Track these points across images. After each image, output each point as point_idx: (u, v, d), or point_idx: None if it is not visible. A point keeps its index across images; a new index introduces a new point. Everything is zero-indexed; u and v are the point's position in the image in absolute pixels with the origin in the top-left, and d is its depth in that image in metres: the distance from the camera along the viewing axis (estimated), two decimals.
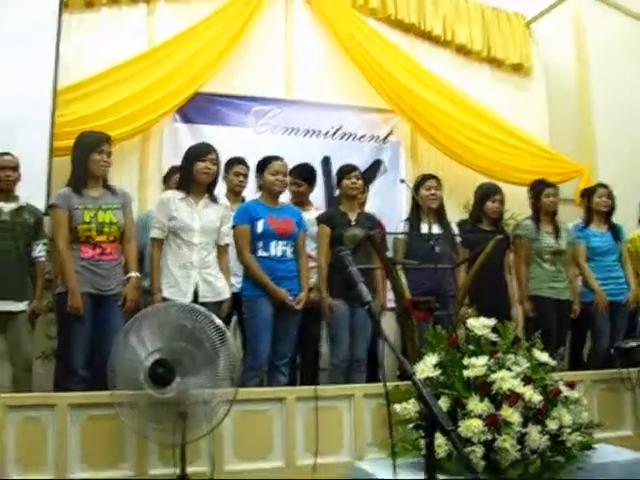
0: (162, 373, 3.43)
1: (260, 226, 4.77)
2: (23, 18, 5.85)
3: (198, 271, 4.47)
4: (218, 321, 3.47)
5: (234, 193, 5.48)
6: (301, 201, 5.61)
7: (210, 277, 4.52)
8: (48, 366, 5.43)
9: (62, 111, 6.03)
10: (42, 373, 5.36)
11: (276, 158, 4.94)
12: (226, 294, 4.58)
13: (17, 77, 5.72)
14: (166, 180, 5.71)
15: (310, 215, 5.40)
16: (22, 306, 4.88)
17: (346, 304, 4.98)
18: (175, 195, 4.57)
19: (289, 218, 4.90)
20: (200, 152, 4.59)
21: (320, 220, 5.23)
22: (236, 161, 5.52)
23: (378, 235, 4.85)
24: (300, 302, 4.77)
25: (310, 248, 5.28)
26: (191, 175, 4.56)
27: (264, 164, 4.92)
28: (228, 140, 6.58)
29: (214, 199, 4.64)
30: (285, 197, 5.38)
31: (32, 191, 5.32)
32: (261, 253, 4.77)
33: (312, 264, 5.22)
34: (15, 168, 4.99)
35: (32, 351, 4.97)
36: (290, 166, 5.24)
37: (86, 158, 4.40)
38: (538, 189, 5.86)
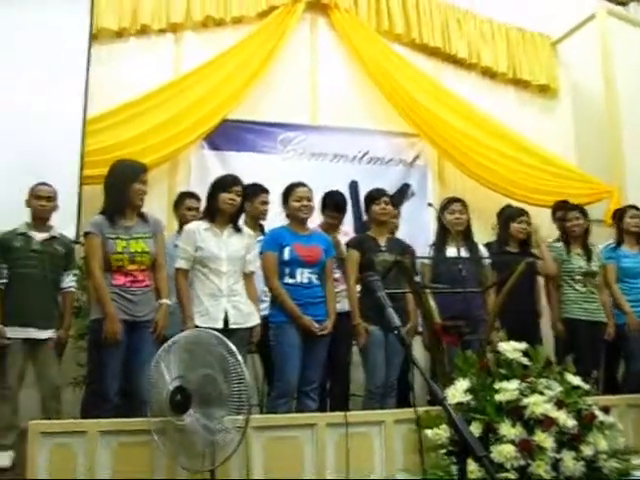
0: (180, 400, 3.42)
1: (287, 253, 4.77)
2: (54, 49, 5.94)
3: (227, 298, 4.49)
4: (232, 347, 3.40)
5: (253, 219, 5.45)
6: (331, 227, 5.58)
7: (239, 304, 4.53)
8: (78, 394, 5.44)
9: (91, 140, 6.10)
10: (72, 401, 5.35)
11: (299, 185, 4.95)
12: (256, 319, 4.59)
13: (48, 107, 5.80)
14: (177, 206, 5.70)
15: (344, 240, 5.41)
16: (49, 334, 4.92)
17: (380, 329, 4.95)
18: (200, 225, 4.61)
19: (317, 245, 4.89)
20: (226, 184, 4.63)
21: (350, 245, 5.22)
22: (260, 190, 5.50)
23: (407, 260, 4.86)
24: (325, 329, 4.74)
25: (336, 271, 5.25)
26: (216, 205, 4.60)
27: (288, 192, 4.94)
28: (255, 167, 6.63)
29: (238, 228, 4.68)
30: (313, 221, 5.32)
31: (62, 220, 5.37)
32: (287, 280, 4.78)
33: (339, 287, 5.20)
34: (50, 198, 5.04)
35: (59, 379, 5.01)
36: (318, 191, 5.24)
37: (127, 187, 4.40)
38: (561, 212, 5.82)
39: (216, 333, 3.46)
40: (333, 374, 5.46)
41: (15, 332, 4.83)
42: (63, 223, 5.39)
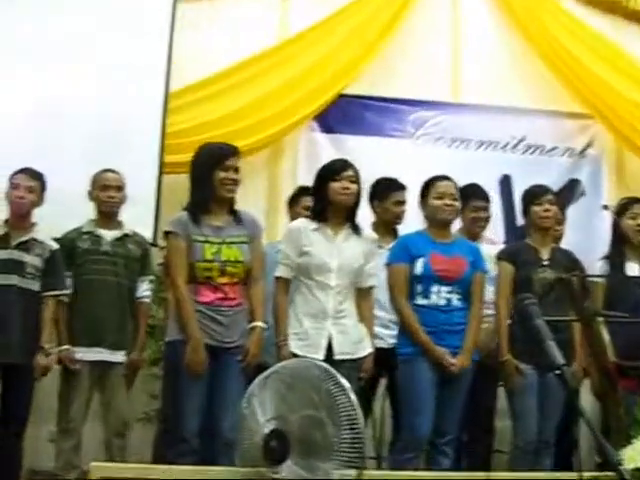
0: (276, 447, 3.36)
1: (420, 266, 4.76)
2: (132, 13, 6.19)
3: (333, 320, 4.52)
4: (344, 383, 3.33)
5: (384, 224, 5.50)
6: (476, 232, 5.58)
7: (348, 328, 4.56)
8: (149, 430, 5.61)
9: (174, 119, 6.24)
10: (142, 439, 5.50)
11: (442, 178, 4.94)
12: (367, 348, 4.60)
13: (123, 78, 6.04)
14: (292, 204, 5.73)
15: (489, 251, 5.32)
16: (120, 357, 5.03)
17: (535, 368, 4.89)
18: (307, 225, 4.63)
19: (460, 257, 4.86)
20: (334, 170, 4.64)
21: (502, 257, 5.17)
22: (394, 187, 5.56)
23: (574, 278, 4.81)
24: (460, 365, 4.69)
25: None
26: (326, 199, 4.61)
27: (427, 187, 4.94)
28: (380, 155, 6.68)
29: (357, 230, 4.66)
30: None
31: (138, 215, 5.52)
32: (420, 300, 4.77)
33: (487, 312, 5.19)
34: (120, 188, 5.16)
35: (129, 412, 5.12)
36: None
37: (208, 176, 4.41)
38: None
39: (324, 365, 3.39)
40: (473, 424, 5.42)
41: (83, 354, 4.94)
42: (138, 221, 5.49)
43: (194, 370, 4.23)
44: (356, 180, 4.62)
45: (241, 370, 4.33)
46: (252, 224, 4.58)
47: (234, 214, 4.51)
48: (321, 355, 4.35)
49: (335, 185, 4.57)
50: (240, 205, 4.60)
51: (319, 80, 6.74)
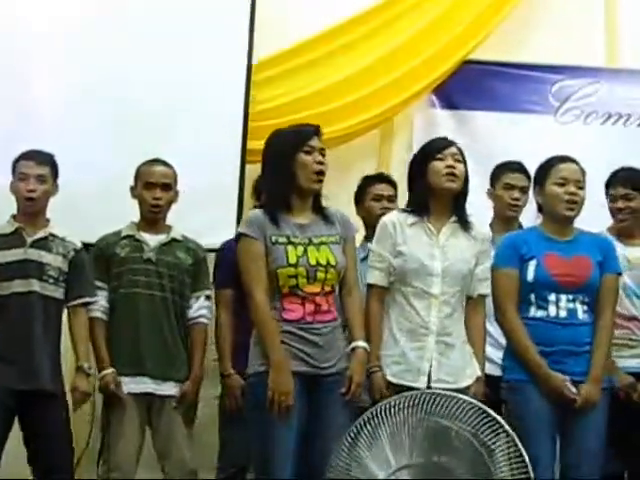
0: None
1: (531, 270, 4.43)
2: None
3: (436, 338, 4.28)
4: (498, 419, 3.47)
5: (503, 218, 5.27)
6: (623, 227, 5.19)
7: (452, 349, 4.31)
8: None
9: (259, 96, 6.08)
10: None
11: (565, 160, 4.61)
12: (473, 375, 4.34)
13: (197, 50, 5.87)
14: (359, 199, 5.48)
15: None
16: (171, 388, 4.80)
17: None
18: (403, 218, 4.41)
19: (584, 256, 4.50)
20: (434, 147, 4.44)
21: None
22: (512, 167, 5.32)
23: None
24: (582, 396, 4.32)
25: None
26: (425, 185, 4.37)
27: (544, 170, 4.65)
28: (514, 134, 6.46)
29: (465, 223, 4.41)
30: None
31: (214, 217, 5.53)
32: (534, 312, 4.44)
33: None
34: (168, 186, 4.93)
35: (192, 456, 4.84)
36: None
37: (287, 163, 4.15)
38: None
39: (475, 402, 3.56)
40: (628, 463, 5.07)
41: (124, 385, 4.74)
42: (215, 222, 5.49)
43: (282, 401, 3.95)
44: (463, 160, 4.44)
45: (345, 403, 4.09)
46: (344, 222, 4.36)
47: (321, 211, 4.31)
48: (422, 383, 4.19)
49: (437, 165, 4.34)
50: (336, 200, 4.49)
51: (437, 44, 6.44)
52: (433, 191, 4.35)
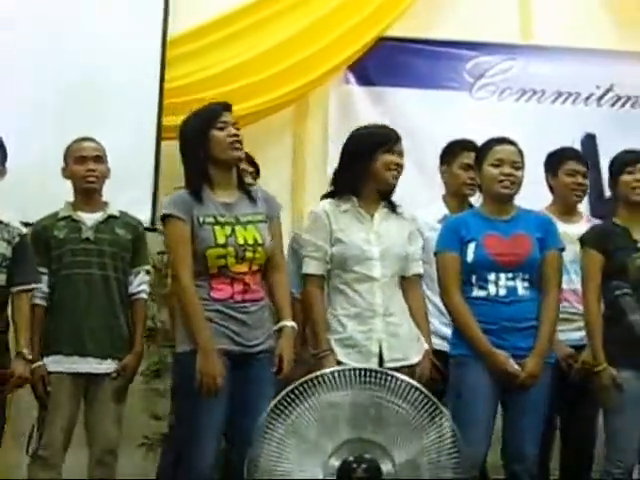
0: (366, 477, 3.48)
1: (471, 252, 4.58)
2: None
3: (383, 319, 4.40)
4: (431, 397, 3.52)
5: (459, 196, 5.35)
6: (573, 204, 5.44)
7: (398, 328, 4.43)
8: (152, 459, 5.53)
9: (173, 73, 6.10)
10: (143, 468, 5.49)
11: (501, 141, 4.72)
12: (421, 350, 4.49)
13: (108, 25, 5.91)
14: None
15: (582, 230, 5.16)
16: (109, 366, 4.85)
17: (637, 374, 4.70)
18: (335, 207, 4.51)
19: (522, 234, 4.63)
20: (387, 139, 4.53)
21: (587, 244, 4.98)
22: (468, 147, 5.34)
23: None
24: (528, 373, 4.45)
25: (578, 281, 5.12)
26: (367, 173, 4.45)
27: (482, 151, 4.79)
28: (430, 110, 6.59)
29: (394, 207, 4.57)
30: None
31: (131, 193, 5.57)
32: (476, 292, 4.58)
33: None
34: (100, 158, 4.97)
35: (117, 435, 4.91)
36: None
37: (201, 140, 4.25)
38: None
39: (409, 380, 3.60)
40: (563, 443, 5.36)
41: (61, 364, 4.78)
42: (131, 200, 5.48)
43: (208, 385, 4.05)
44: (402, 154, 4.59)
45: (273, 381, 4.22)
46: (268, 201, 4.46)
47: (245, 189, 4.40)
48: (374, 364, 4.24)
49: (388, 158, 4.47)
50: (260, 177, 4.78)
51: (351, 21, 6.50)
52: (373, 181, 4.48)
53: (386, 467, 3.51)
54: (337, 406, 3.55)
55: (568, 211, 5.34)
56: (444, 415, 3.56)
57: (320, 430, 3.53)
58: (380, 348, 4.38)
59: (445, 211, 5.24)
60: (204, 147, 4.24)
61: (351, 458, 3.49)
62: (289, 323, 4.30)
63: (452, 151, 5.37)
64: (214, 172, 4.27)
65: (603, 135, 6.70)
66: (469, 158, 5.24)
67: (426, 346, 4.51)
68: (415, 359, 4.44)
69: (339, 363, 4.24)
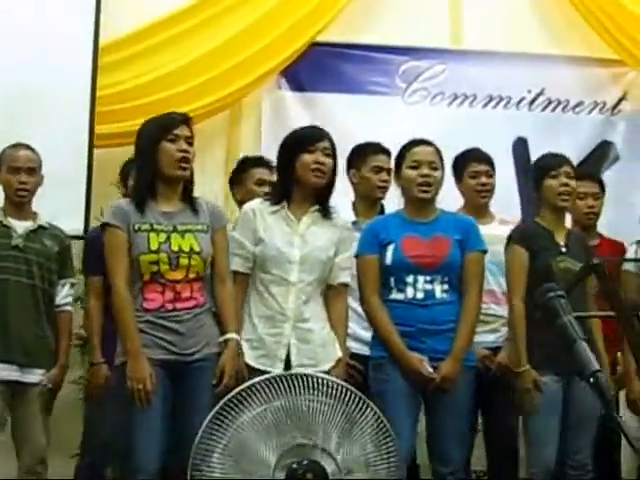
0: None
1: (389, 254, 4.66)
2: None
3: (293, 324, 4.46)
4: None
5: (366, 199, 5.38)
6: (481, 205, 5.51)
7: (310, 334, 4.49)
8: None
9: (105, 80, 6.13)
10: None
11: (417, 143, 4.82)
12: (333, 358, 4.52)
13: (41, 32, 5.94)
14: (236, 181, 5.62)
15: (494, 231, 5.24)
16: (36, 376, 4.89)
17: (557, 379, 4.79)
18: (264, 206, 4.57)
19: (442, 236, 4.73)
20: (306, 138, 4.57)
21: (514, 240, 5.03)
22: (374, 150, 5.41)
23: (609, 265, 4.58)
24: (440, 373, 4.54)
25: (494, 282, 5.20)
26: (292, 175, 4.52)
27: (401, 154, 4.84)
28: (363, 117, 6.62)
29: (326, 213, 4.59)
30: None
31: (63, 200, 5.56)
32: (394, 295, 4.68)
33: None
34: (33, 170, 4.99)
35: (45, 443, 4.96)
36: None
37: (151, 151, 4.31)
38: None
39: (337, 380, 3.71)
40: (489, 446, 5.44)
41: None
42: (64, 207, 5.52)
43: (138, 390, 4.12)
44: (332, 154, 4.57)
45: (212, 393, 4.21)
46: (213, 212, 4.52)
47: (189, 201, 4.45)
48: (278, 367, 4.34)
49: (307, 158, 4.49)
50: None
51: (283, 26, 6.63)
52: (299, 183, 4.53)
53: (330, 467, 3.59)
54: (272, 415, 3.62)
55: (477, 213, 5.34)
56: (372, 408, 3.69)
57: (260, 441, 3.60)
58: (288, 353, 4.45)
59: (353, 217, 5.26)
60: (153, 157, 4.30)
61: (295, 465, 3.56)
62: (233, 336, 4.36)
63: (361, 154, 5.38)
64: (159, 184, 4.34)
65: (535, 139, 6.34)
66: (379, 161, 5.32)
67: (340, 354, 4.55)
68: (326, 366, 4.47)
69: (247, 366, 4.36)
